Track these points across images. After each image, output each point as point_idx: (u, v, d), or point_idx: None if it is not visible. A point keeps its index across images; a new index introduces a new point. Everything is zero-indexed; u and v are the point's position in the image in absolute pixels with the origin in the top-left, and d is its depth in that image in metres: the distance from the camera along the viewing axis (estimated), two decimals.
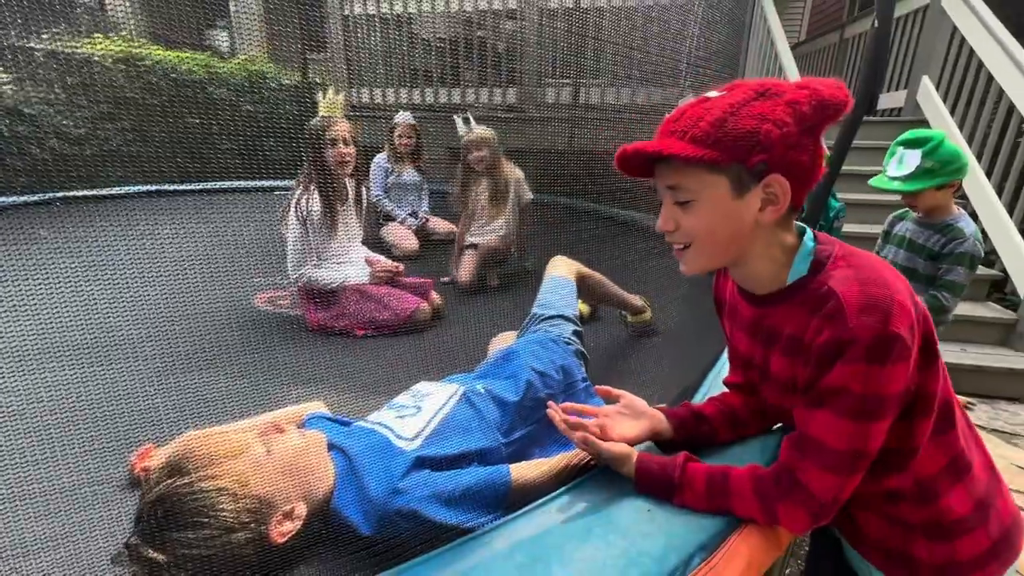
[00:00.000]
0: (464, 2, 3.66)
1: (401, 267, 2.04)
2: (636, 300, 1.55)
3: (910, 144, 1.53)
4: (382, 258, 2.11)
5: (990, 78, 3.15)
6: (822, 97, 0.59)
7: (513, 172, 2.45)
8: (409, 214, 3.10)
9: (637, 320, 1.57)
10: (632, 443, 0.78)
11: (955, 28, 3.54)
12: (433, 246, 2.97)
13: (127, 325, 1.27)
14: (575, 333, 1.14)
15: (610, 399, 0.85)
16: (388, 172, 3.06)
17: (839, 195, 2.65)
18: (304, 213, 1.79)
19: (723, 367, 1.15)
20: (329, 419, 0.91)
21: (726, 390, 0.89)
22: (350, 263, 1.97)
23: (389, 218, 3.08)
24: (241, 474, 0.67)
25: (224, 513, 0.64)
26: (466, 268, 2.28)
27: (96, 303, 1.04)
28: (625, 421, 0.80)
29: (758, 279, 0.69)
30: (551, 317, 1.14)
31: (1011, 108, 2.99)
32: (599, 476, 0.81)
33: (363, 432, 0.80)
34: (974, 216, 3.16)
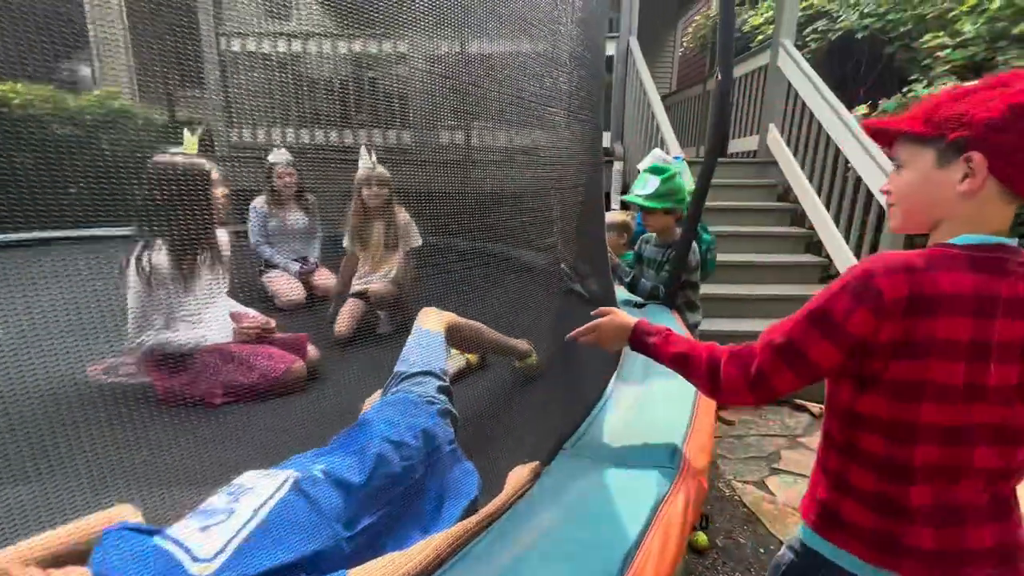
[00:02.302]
0: (352, 45, 3.61)
1: (272, 322, 1.83)
2: (520, 345, 1.50)
3: (654, 171, 2.01)
4: (251, 311, 1.89)
5: (820, 125, 3.69)
6: None
7: (404, 216, 2.37)
8: (295, 260, 2.87)
9: (522, 365, 1.52)
10: None
11: (790, 84, 4.12)
12: (321, 298, 2.74)
13: None
14: (441, 390, 1.04)
15: None
16: (266, 216, 2.82)
17: (710, 228, 2.88)
18: (147, 268, 1.54)
19: (602, 410, 1.12)
20: (134, 530, 0.72)
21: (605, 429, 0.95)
22: (209, 320, 1.73)
23: (272, 266, 2.82)
24: None
25: None
26: (346, 318, 2.12)
27: None
28: None
29: None
30: (414, 374, 1.04)
31: (837, 150, 3.51)
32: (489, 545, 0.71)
33: (148, 556, 0.63)
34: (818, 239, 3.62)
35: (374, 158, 2.18)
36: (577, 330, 1.06)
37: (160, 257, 1.57)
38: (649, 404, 1.11)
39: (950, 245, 0.70)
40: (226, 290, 1.90)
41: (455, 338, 1.22)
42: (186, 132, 1.60)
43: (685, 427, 0.99)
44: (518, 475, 0.87)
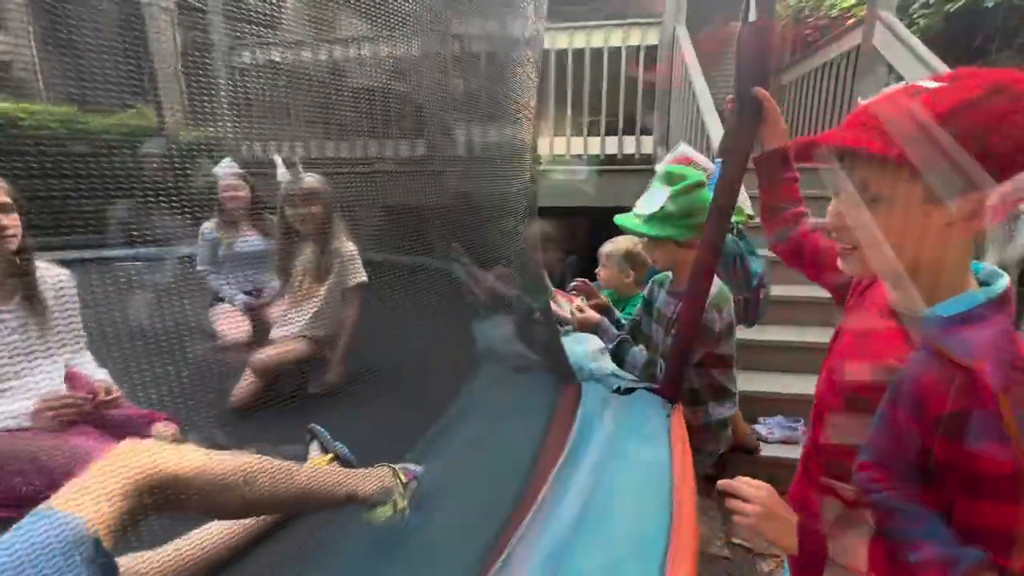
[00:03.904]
0: (362, 50, 3.25)
1: (113, 392, 1.35)
2: (361, 484, 0.84)
3: (666, 180, 1.22)
4: (99, 379, 1.43)
5: None
6: None
7: (345, 245, 1.86)
8: (246, 291, 2.46)
9: (374, 516, 0.88)
10: None
11: (891, 67, 3.20)
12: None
13: None
14: None
15: None
16: (217, 242, 2.43)
17: (760, 251, 2.06)
18: None
19: None
20: None
21: None
22: (18, 392, 1.29)
23: (220, 299, 2.44)
24: None
25: None
26: (248, 380, 1.60)
27: None
28: None
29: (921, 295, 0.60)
30: None
31: None
32: None
33: None
34: None
35: (283, 169, 1.68)
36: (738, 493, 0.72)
37: None
38: None
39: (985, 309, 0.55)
40: (72, 346, 1.46)
41: (173, 504, 0.61)
42: None
43: None
44: None
